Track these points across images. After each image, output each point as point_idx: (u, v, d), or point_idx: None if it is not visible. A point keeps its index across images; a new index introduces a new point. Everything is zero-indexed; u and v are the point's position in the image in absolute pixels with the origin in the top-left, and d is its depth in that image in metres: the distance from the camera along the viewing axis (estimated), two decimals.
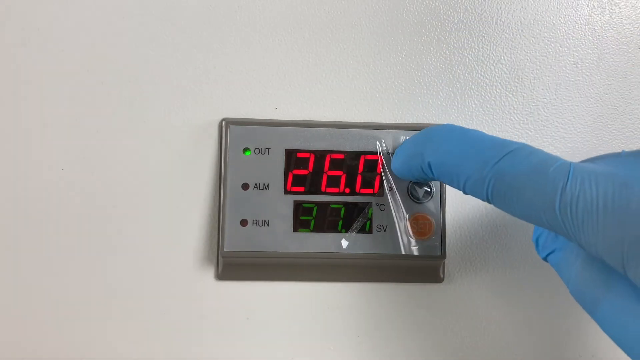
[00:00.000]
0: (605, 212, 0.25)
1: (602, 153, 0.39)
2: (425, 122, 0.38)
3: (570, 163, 0.27)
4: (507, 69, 0.39)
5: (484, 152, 0.29)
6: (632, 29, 0.39)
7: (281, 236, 0.36)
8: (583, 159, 0.39)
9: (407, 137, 0.36)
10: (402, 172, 0.34)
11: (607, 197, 0.25)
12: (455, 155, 0.30)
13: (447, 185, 0.38)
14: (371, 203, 0.37)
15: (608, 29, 0.39)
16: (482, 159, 0.28)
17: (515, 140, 0.38)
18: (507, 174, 0.27)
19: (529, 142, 0.38)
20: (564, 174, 0.26)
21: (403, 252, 0.36)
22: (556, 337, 0.38)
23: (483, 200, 0.29)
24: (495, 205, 0.28)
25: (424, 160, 0.31)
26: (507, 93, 0.39)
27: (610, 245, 0.25)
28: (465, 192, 0.30)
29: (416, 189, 0.37)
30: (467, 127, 0.38)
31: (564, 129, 0.39)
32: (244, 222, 0.36)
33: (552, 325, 0.39)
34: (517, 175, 0.27)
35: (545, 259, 0.33)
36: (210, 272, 0.38)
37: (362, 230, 0.36)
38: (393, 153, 0.36)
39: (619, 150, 0.39)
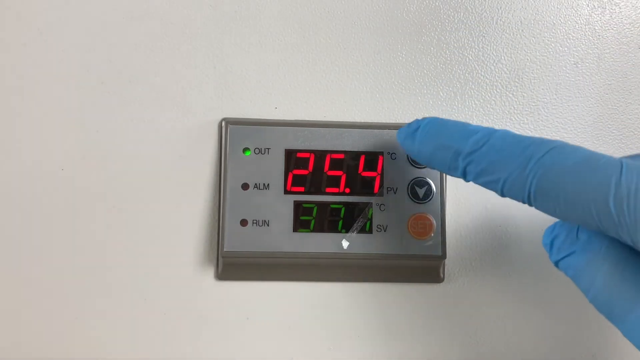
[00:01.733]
0: None
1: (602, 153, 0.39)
2: None
3: (620, 158, 0.25)
4: (507, 69, 0.39)
5: (526, 149, 0.27)
6: (632, 29, 0.39)
7: (281, 236, 0.36)
8: None
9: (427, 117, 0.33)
10: (423, 159, 0.32)
11: None
12: (494, 153, 0.28)
13: (447, 185, 0.38)
14: (371, 203, 0.37)
15: (608, 29, 0.39)
16: (526, 155, 0.27)
17: None
18: (552, 169, 0.26)
19: None
20: (615, 167, 0.25)
21: (403, 252, 0.36)
22: (556, 337, 0.38)
23: (522, 201, 0.27)
24: (535, 205, 0.27)
25: (457, 158, 0.29)
26: (507, 93, 0.39)
27: None
28: (502, 194, 0.28)
29: (416, 189, 0.37)
30: None
31: (564, 129, 0.39)
32: (244, 222, 0.36)
33: (552, 325, 0.39)
34: (563, 170, 0.26)
35: (556, 263, 0.31)
36: (210, 272, 0.38)
37: (362, 230, 0.36)
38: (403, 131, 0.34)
39: (619, 150, 0.39)
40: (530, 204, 0.27)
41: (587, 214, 0.25)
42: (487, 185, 0.29)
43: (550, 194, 0.26)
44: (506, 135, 0.29)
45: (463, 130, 0.30)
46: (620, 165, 0.25)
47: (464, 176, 0.30)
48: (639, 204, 0.24)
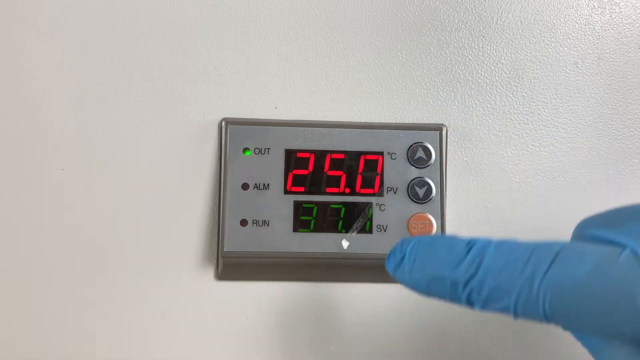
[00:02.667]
0: None
1: (602, 153, 0.39)
2: (425, 122, 0.38)
3: (632, 250, 0.22)
4: (507, 69, 0.39)
5: (526, 264, 0.24)
6: (632, 29, 0.39)
7: (281, 236, 0.36)
8: (583, 158, 0.39)
9: (405, 239, 0.28)
10: (422, 293, 0.27)
11: None
12: (493, 277, 0.24)
13: (447, 185, 0.38)
14: (371, 203, 0.37)
15: (608, 29, 0.39)
16: (528, 273, 0.23)
17: (515, 139, 0.39)
18: (563, 286, 0.23)
19: (528, 142, 0.39)
20: (636, 275, 0.22)
21: None
22: (556, 337, 0.38)
23: (542, 322, 0.24)
24: (558, 324, 0.24)
25: (456, 289, 0.25)
26: (507, 93, 0.39)
27: None
28: (516, 317, 0.24)
29: (416, 189, 0.37)
30: (467, 127, 0.38)
31: (564, 129, 0.39)
32: (244, 222, 0.36)
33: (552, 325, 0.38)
34: (575, 285, 0.22)
35: None
36: (210, 272, 0.38)
37: (362, 230, 0.36)
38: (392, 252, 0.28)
39: (618, 150, 0.39)
40: (552, 323, 0.24)
41: (620, 331, 0.22)
42: (499, 312, 0.25)
43: (569, 314, 0.23)
44: (499, 250, 0.25)
45: (451, 252, 0.26)
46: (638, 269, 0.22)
47: (472, 306, 0.25)
48: None
